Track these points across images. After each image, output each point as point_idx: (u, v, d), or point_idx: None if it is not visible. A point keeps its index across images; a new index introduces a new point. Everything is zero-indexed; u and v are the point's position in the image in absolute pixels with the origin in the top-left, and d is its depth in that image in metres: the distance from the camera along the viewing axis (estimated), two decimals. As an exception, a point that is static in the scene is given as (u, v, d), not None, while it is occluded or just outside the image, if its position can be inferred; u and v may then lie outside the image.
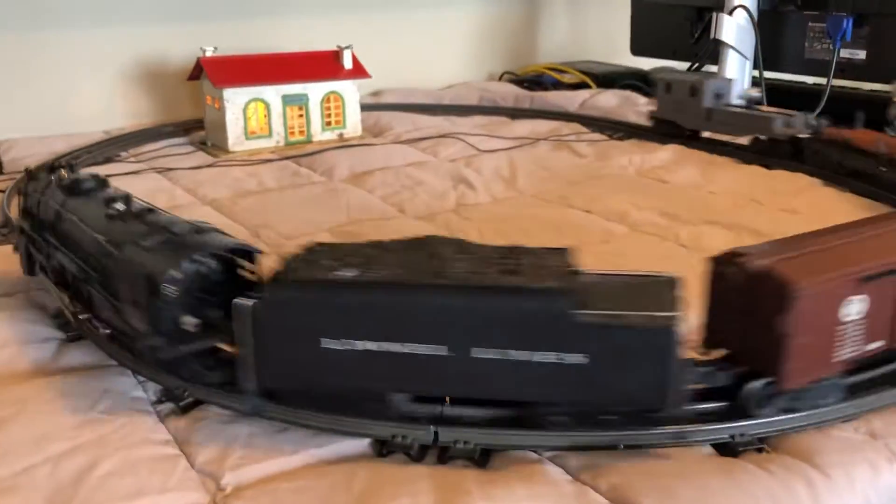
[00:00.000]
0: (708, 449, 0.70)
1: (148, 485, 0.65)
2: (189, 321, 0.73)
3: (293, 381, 0.71)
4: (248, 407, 0.73)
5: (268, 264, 0.74)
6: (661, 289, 0.69)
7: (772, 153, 1.58)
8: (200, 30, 2.03)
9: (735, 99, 1.70)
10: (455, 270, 0.70)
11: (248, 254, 0.76)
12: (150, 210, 0.86)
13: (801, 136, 1.54)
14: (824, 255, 0.75)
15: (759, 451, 0.70)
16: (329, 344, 0.68)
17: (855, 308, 0.72)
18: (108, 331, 0.88)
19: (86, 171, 1.11)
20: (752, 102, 1.68)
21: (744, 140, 1.67)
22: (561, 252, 0.75)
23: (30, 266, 1.03)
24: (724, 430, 0.71)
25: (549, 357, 0.66)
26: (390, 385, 0.70)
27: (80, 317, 0.91)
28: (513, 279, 0.68)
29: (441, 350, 0.67)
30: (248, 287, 0.72)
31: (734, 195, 1.39)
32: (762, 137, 1.61)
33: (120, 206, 0.85)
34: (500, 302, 0.66)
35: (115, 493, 0.64)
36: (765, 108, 1.69)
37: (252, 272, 0.74)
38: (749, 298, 0.72)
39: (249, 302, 0.69)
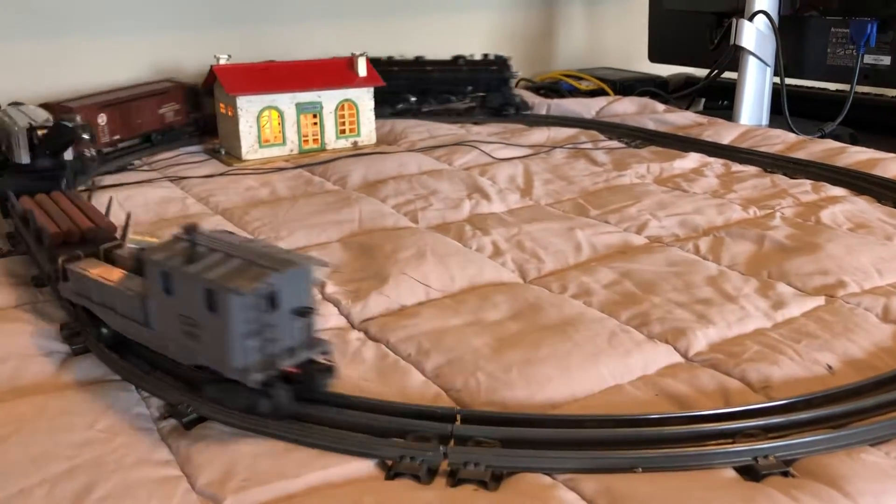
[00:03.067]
0: (730, 472, 0.67)
1: (147, 508, 0.63)
2: None
3: None
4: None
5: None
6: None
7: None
8: (214, 37, 2.02)
9: None
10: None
11: None
12: None
13: None
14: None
15: (785, 475, 0.67)
16: None
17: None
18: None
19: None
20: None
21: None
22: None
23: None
24: (746, 452, 0.68)
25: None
26: None
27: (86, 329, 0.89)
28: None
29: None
30: None
31: (759, 204, 1.36)
32: None
33: None
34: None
35: (113, 516, 0.62)
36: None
37: None
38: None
39: None
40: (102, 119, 1.65)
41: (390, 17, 2.28)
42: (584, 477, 0.66)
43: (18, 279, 1.10)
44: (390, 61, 2.09)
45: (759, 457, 0.68)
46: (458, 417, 0.73)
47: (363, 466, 0.69)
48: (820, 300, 1.00)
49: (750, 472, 0.67)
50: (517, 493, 0.64)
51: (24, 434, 0.72)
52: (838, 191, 1.41)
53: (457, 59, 2.10)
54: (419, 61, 2.11)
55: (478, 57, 2.12)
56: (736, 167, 1.60)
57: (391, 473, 0.68)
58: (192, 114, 1.91)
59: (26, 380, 0.83)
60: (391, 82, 1.91)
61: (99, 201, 1.43)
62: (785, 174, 1.53)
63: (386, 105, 2.00)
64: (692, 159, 1.65)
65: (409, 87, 2.07)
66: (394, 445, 0.70)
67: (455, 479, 0.66)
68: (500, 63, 2.09)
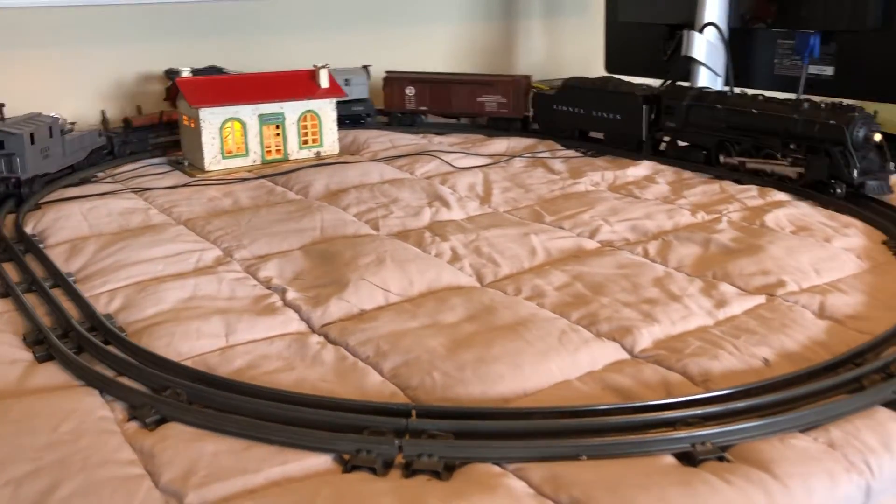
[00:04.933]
0: (669, 458, 0.71)
1: (110, 505, 0.65)
2: None
3: None
4: None
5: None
6: None
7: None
8: (178, 50, 2.04)
9: None
10: None
11: None
12: None
13: None
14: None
15: (720, 459, 0.71)
16: None
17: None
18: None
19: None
20: None
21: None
22: None
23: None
24: (685, 439, 0.72)
25: None
26: None
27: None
28: None
29: None
30: None
31: (707, 209, 1.41)
32: None
33: None
34: None
35: (77, 513, 0.64)
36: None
37: None
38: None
39: None
40: (410, 91, 2.09)
41: (353, 30, 2.31)
42: (532, 466, 0.70)
43: (-19, 290, 1.11)
44: (680, 90, 1.73)
45: (696, 443, 0.72)
46: (414, 413, 0.76)
47: (321, 461, 0.72)
48: (760, 299, 1.05)
49: (688, 458, 0.71)
50: (468, 483, 0.68)
51: (-11, 437, 0.73)
52: (783, 196, 1.47)
53: (796, 101, 1.51)
54: (743, 97, 1.62)
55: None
56: (686, 174, 1.65)
57: (348, 467, 0.70)
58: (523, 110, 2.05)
59: (-9, 386, 0.85)
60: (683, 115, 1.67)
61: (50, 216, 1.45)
62: (734, 180, 1.59)
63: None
64: (645, 167, 1.70)
65: (711, 125, 1.64)
66: (350, 440, 0.73)
67: (409, 470, 0.70)
68: (844, 114, 1.43)
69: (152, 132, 1.94)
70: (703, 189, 1.53)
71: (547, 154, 1.87)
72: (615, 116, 1.84)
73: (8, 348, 0.93)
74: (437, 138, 2.04)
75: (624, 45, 2.36)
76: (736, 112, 1.60)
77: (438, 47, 2.49)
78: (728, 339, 0.92)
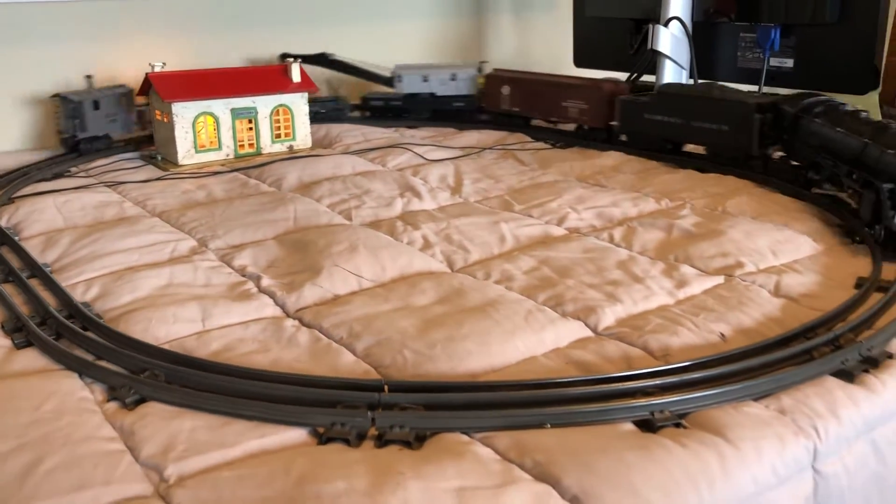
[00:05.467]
0: (629, 426, 0.75)
1: (92, 478, 0.68)
2: None
3: None
4: None
5: None
6: None
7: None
8: (147, 46, 2.05)
9: None
10: None
11: None
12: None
13: None
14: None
15: (677, 426, 0.75)
16: None
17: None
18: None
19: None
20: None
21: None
22: None
23: None
24: (644, 407, 0.76)
25: None
26: None
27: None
28: None
29: None
30: None
31: (670, 197, 1.45)
32: None
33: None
34: None
35: (60, 486, 0.66)
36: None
37: None
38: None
39: None
40: (506, 90, 2.05)
41: (325, 24, 2.33)
42: (498, 434, 0.73)
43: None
44: None
45: (655, 411, 0.76)
46: (386, 387, 0.79)
47: (296, 434, 0.75)
48: (719, 279, 1.09)
49: (646, 425, 0.75)
50: (438, 451, 0.71)
51: (-28, 417, 0.75)
52: (743, 183, 1.52)
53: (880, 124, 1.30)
54: None
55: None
56: (652, 164, 1.70)
57: (323, 439, 0.73)
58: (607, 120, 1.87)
59: (-30, 372, 0.87)
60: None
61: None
62: (697, 169, 1.63)
63: None
64: (612, 157, 1.74)
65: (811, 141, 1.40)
66: (325, 414, 0.75)
67: (382, 441, 0.73)
68: None
69: None
70: (667, 178, 1.58)
71: (517, 146, 1.90)
72: (720, 127, 1.61)
73: (-14, 335, 0.95)
74: (410, 132, 2.07)
75: (592, 39, 2.39)
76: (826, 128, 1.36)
77: (409, 42, 2.51)
78: (687, 317, 0.97)
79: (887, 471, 0.81)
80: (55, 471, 0.68)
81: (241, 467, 0.69)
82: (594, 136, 1.90)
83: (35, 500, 0.65)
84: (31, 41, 1.94)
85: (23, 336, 0.95)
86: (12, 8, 1.90)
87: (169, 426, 0.75)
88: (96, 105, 1.84)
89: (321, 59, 2.20)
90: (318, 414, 0.76)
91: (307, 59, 2.05)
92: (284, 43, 2.19)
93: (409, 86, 2.15)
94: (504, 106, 2.06)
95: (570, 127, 1.97)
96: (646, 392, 0.79)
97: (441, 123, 2.14)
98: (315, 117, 2.00)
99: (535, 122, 2.07)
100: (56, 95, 1.85)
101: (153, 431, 0.75)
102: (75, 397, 0.81)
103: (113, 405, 0.80)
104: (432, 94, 2.15)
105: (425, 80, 2.14)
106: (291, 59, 1.91)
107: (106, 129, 1.88)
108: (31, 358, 0.90)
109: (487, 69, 2.18)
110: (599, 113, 1.89)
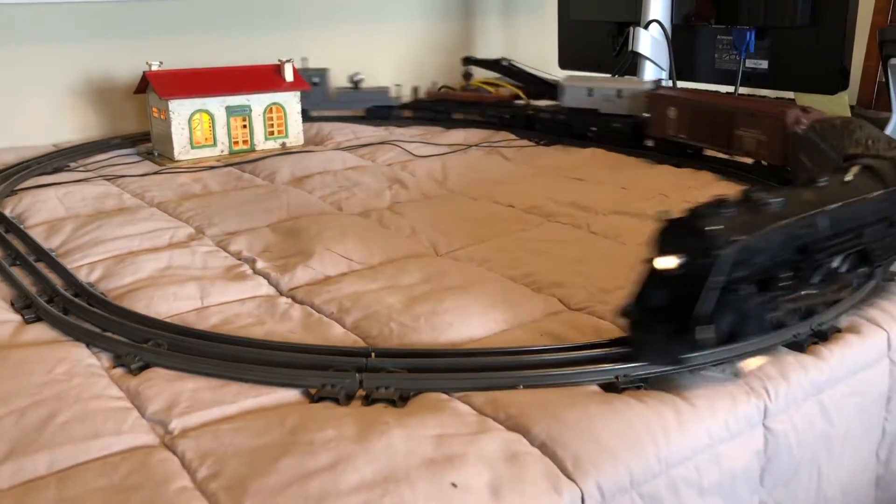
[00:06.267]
0: (595, 388, 0.81)
1: (103, 429, 0.74)
2: None
3: None
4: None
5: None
6: None
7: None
8: (144, 46, 2.11)
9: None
10: None
11: None
12: None
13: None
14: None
15: (638, 388, 0.82)
16: None
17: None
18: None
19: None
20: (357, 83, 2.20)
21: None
22: None
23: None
24: (609, 371, 0.83)
25: None
26: None
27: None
28: None
29: None
30: None
31: (643, 189, 1.53)
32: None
33: None
34: None
35: (75, 436, 0.73)
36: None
37: None
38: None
39: None
40: (672, 112, 1.69)
41: (308, 27, 2.40)
42: (476, 394, 0.80)
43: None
44: None
45: (619, 375, 0.83)
46: (373, 353, 0.86)
47: (290, 395, 0.81)
48: (687, 262, 1.16)
49: (611, 387, 0.82)
50: (420, 408, 0.78)
51: (-10, 379, 0.82)
52: (709, 176, 1.60)
53: None
54: None
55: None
56: (628, 159, 1.77)
57: (314, 398, 0.80)
58: (787, 158, 1.44)
59: (-15, 341, 0.93)
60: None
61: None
62: (673, 164, 1.71)
63: None
64: (590, 153, 1.82)
65: None
66: (316, 376, 0.82)
67: (369, 400, 0.79)
68: None
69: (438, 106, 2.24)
70: (641, 171, 1.65)
71: (502, 143, 1.97)
72: None
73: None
74: (399, 130, 2.14)
75: (576, 41, 2.47)
76: None
77: (396, 48, 2.58)
78: (655, 294, 1.03)
79: (834, 430, 0.88)
80: (69, 423, 0.74)
81: (238, 421, 0.76)
82: (773, 176, 1.48)
83: (52, 447, 0.71)
84: (37, 39, 2.00)
85: (32, 312, 1.01)
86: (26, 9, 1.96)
87: (172, 387, 0.82)
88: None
89: (496, 65, 2.26)
90: (311, 376, 0.82)
91: (483, 63, 2.11)
92: (263, 45, 2.26)
93: (573, 99, 1.98)
94: (670, 131, 1.73)
95: (747, 161, 1.58)
96: (611, 359, 0.85)
97: (428, 123, 2.21)
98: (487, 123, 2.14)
99: (709, 151, 1.73)
100: None
101: (157, 392, 0.81)
102: (84, 363, 0.87)
103: (119, 371, 0.87)
104: (595, 111, 1.94)
105: (590, 93, 1.94)
106: (471, 65, 2.27)
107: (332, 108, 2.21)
108: (41, 331, 0.97)
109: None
110: (778, 149, 1.46)
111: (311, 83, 2.11)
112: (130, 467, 0.69)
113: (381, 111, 2.23)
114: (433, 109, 2.25)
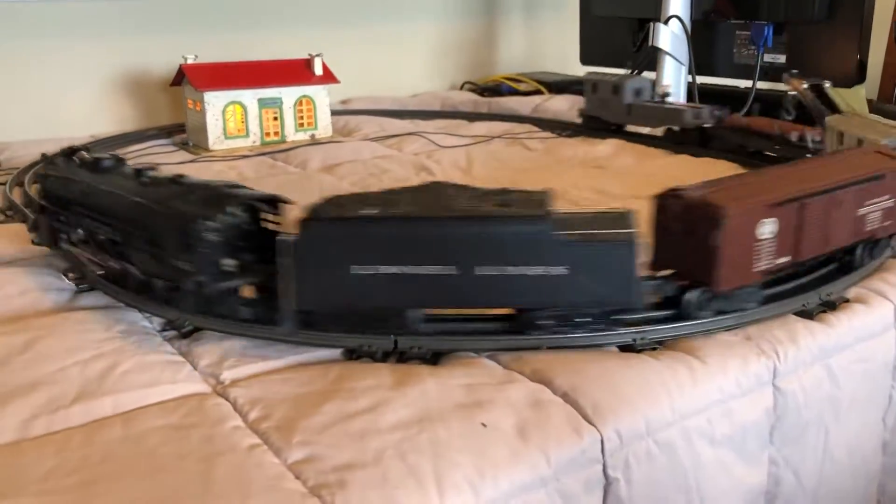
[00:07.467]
0: (614, 349, 0.87)
1: (161, 378, 0.81)
2: (228, 262, 0.86)
3: (327, 303, 0.84)
4: (286, 329, 0.86)
5: (293, 213, 0.88)
6: (619, 218, 0.87)
7: (683, 141, 1.81)
8: (180, 41, 2.19)
9: (652, 95, 1.94)
10: (459, 205, 0.86)
11: (275, 205, 0.90)
12: (180, 175, 0.98)
13: (706, 125, 1.75)
14: (744, 188, 0.92)
15: (654, 349, 0.87)
16: (358, 270, 0.82)
17: (768, 228, 0.89)
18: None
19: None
20: (664, 98, 1.91)
21: (659, 131, 1.88)
22: (541, 193, 0.91)
23: (52, 239, 1.16)
24: (627, 334, 0.88)
25: (538, 270, 0.82)
26: (410, 302, 0.84)
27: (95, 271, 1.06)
28: (505, 210, 0.84)
29: (450, 270, 0.82)
30: (272, 233, 0.85)
31: (664, 177, 1.58)
32: (675, 128, 1.81)
33: (150, 174, 0.99)
34: (496, 227, 0.81)
35: (134, 383, 0.79)
36: (677, 102, 1.92)
37: (276, 221, 0.89)
38: (687, 223, 0.89)
39: (291, 238, 0.83)
40: (767, 229, 0.89)
41: (345, 25, 2.47)
42: (503, 353, 0.86)
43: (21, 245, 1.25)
44: None
45: (637, 338, 0.88)
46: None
47: (331, 353, 0.87)
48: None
49: (629, 348, 0.87)
50: (451, 363, 0.84)
51: (55, 335, 0.89)
52: (726, 165, 1.65)
53: None
54: None
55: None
56: (651, 150, 1.82)
57: (353, 356, 0.86)
58: None
59: (45, 305, 1.00)
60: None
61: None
62: (691, 154, 1.76)
63: None
64: (611, 144, 1.87)
65: None
66: (355, 338, 0.88)
67: (403, 358, 0.85)
68: None
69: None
70: (665, 161, 1.70)
71: (525, 135, 2.03)
72: None
73: (55, 279, 1.08)
74: (423, 122, 2.20)
75: (597, 38, 2.53)
76: None
77: (420, 45, 2.65)
78: (671, 269, 1.09)
79: (842, 394, 0.93)
80: (129, 372, 0.81)
81: (285, 373, 0.82)
82: None
83: (116, 392, 0.78)
84: (78, 35, 2.09)
85: (85, 281, 1.08)
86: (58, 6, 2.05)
87: (221, 345, 0.88)
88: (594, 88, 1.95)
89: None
90: (349, 338, 0.88)
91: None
92: (294, 43, 2.33)
93: None
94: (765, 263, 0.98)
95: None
96: (629, 323, 0.91)
97: (452, 115, 2.27)
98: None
99: None
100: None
101: (208, 349, 0.88)
102: (138, 325, 0.94)
103: (170, 333, 0.93)
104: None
105: None
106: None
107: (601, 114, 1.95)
108: (96, 298, 1.04)
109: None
110: None
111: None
112: (188, 410, 0.75)
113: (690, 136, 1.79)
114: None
